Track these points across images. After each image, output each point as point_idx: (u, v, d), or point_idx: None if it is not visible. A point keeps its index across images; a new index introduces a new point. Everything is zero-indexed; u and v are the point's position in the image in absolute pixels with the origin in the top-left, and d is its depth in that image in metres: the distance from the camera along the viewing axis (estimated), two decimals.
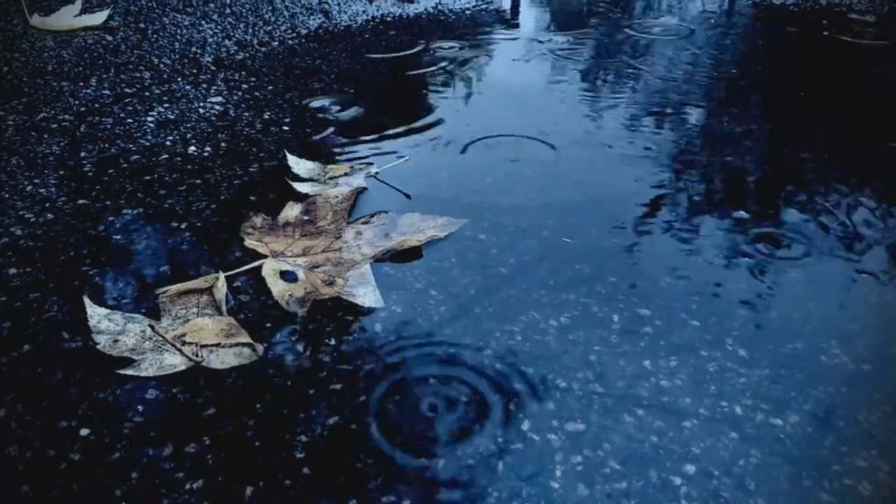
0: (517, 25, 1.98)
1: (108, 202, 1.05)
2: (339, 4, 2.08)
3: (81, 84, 1.48)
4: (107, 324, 0.80)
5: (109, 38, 1.77)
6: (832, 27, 1.93)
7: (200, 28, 1.86)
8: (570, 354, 0.76)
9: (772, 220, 1.02)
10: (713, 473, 0.63)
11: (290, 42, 1.78)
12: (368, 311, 0.83)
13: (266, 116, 1.35)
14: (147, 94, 1.44)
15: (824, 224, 1.01)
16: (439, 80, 1.55)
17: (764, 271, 0.90)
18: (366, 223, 1.00)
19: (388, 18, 1.99)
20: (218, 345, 0.77)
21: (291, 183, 1.10)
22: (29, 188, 1.08)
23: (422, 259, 0.93)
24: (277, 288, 0.87)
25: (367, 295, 0.85)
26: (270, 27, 1.88)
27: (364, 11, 2.04)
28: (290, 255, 0.93)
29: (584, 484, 0.62)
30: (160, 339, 0.78)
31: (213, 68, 1.59)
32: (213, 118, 1.33)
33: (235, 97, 1.43)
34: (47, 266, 0.90)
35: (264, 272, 0.89)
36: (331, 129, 1.09)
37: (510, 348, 0.77)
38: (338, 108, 1.35)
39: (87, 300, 0.82)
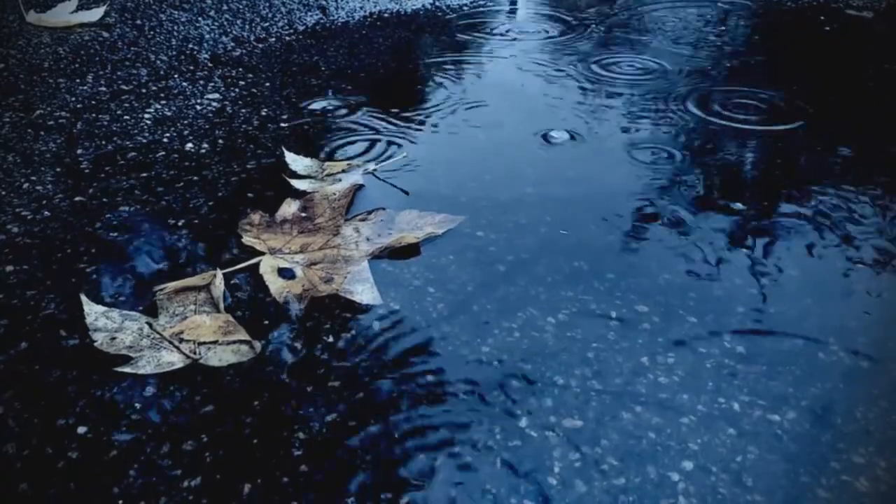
0: (515, 19, 1.98)
1: (105, 199, 1.05)
2: (336, 0, 2.08)
3: (78, 81, 1.48)
4: (104, 321, 0.79)
5: (106, 34, 1.77)
6: (832, 23, 1.93)
7: (197, 24, 1.86)
8: (568, 351, 0.76)
9: (770, 213, 1.02)
10: (711, 470, 0.63)
11: (288, 38, 1.78)
12: (366, 309, 0.83)
13: (263, 113, 1.34)
14: (144, 90, 1.44)
15: (823, 219, 1.01)
16: (438, 80, 1.55)
17: (763, 267, 0.90)
18: (363, 220, 1.00)
19: (386, 15, 1.98)
20: (215, 342, 0.77)
21: (289, 180, 1.09)
22: (25, 185, 1.08)
23: (420, 256, 0.93)
24: (275, 285, 0.87)
25: (364, 292, 0.85)
26: (267, 23, 1.88)
27: (362, 7, 2.03)
28: (288, 252, 0.93)
29: (582, 480, 0.62)
30: (158, 336, 0.78)
31: (210, 65, 1.59)
32: (211, 115, 1.33)
33: (233, 94, 1.43)
34: (44, 263, 0.90)
35: (262, 269, 0.89)
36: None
37: (508, 345, 0.77)
38: None
39: (84, 298, 0.82)
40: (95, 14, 1.87)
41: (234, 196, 1.06)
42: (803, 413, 0.69)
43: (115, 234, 0.97)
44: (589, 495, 0.61)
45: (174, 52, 1.66)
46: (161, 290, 0.85)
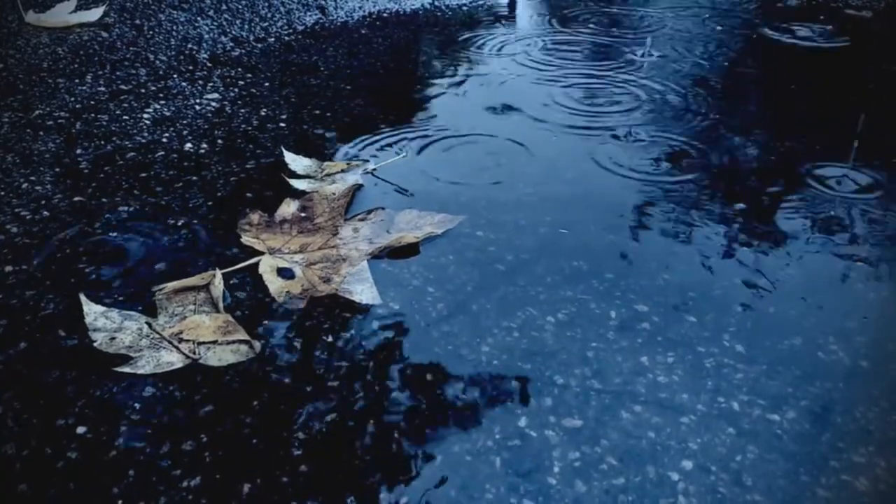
0: (514, 19, 1.98)
1: (104, 199, 1.05)
2: (335, 0, 2.08)
3: (77, 81, 1.48)
4: (103, 321, 0.79)
5: (105, 34, 1.77)
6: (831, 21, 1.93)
7: (196, 24, 1.86)
8: (568, 351, 0.76)
9: (770, 212, 1.02)
10: (710, 469, 0.63)
11: (287, 38, 1.78)
12: (365, 308, 0.83)
13: (262, 113, 1.34)
14: (143, 90, 1.44)
15: (823, 216, 1.01)
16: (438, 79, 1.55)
17: (762, 266, 0.90)
18: (363, 220, 1.00)
19: (385, 14, 1.98)
20: (215, 342, 0.77)
21: (288, 180, 1.09)
22: (25, 185, 1.08)
23: (419, 256, 0.93)
24: (274, 285, 0.86)
25: (364, 292, 0.85)
26: (267, 23, 1.88)
27: (360, 7, 2.03)
28: (287, 251, 0.93)
29: (582, 480, 0.62)
30: (157, 336, 0.77)
31: (209, 65, 1.59)
32: (210, 115, 1.33)
33: (232, 94, 1.43)
34: (44, 263, 0.90)
35: (261, 269, 0.89)
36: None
37: (507, 344, 0.77)
38: None
39: (83, 298, 0.82)
40: (94, 14, 1.87)
41: (234, 196, 1.06)
42: (803, 412, 0.69)
43: (115, 234, 0.97)
44: (589, 495, 0.61)
45: (173, 52, 1.66)
46: (160, 289, 0.85)
